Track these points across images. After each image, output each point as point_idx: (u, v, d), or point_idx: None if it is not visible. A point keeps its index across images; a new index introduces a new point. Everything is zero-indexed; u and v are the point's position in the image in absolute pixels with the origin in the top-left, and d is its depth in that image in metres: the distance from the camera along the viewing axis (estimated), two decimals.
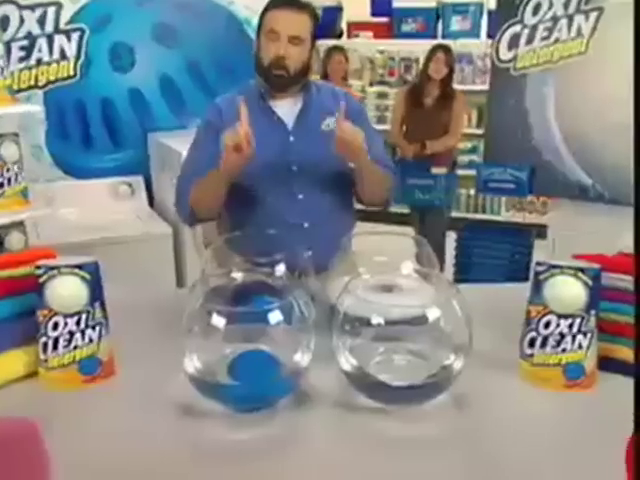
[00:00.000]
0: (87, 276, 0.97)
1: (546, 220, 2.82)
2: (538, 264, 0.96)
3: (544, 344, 0.96)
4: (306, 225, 1.35)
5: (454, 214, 3.54)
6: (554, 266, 0.95)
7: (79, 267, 0.96)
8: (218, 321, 0.88)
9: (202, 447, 0.83)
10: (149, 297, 1.34)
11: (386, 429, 0.87)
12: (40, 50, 2.44)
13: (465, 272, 2.81)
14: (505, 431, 0.87)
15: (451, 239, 3.00)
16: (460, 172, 3.54)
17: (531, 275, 1.00)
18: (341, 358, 0.91)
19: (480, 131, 3.94)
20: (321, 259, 1.13)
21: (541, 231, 2.72)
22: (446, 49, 3.17)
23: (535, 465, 0.80)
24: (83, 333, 0.97)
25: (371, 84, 4.59)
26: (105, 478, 0.78)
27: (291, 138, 1.37)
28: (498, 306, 1.18)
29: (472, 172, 3.43)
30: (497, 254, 2.78)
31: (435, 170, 3.15)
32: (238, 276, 1.04)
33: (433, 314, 0.90)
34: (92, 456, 0.81)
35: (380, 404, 0.90)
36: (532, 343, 0.97)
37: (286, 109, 1.38)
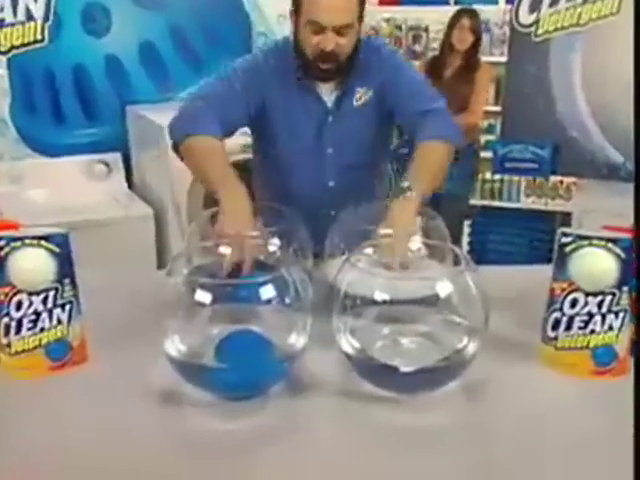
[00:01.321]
0: (55, 249, 0.95)
1: (571, 207, 2.81)
2: (564, 234, 0.95)
3: (570, 326, 0.95)
4: (333, 213, 1.31)
5: None
6: (581, 237, 0.94)
7: (45, 238, 0.95)
8: (203, 297, 0.86)
9: (186, 440, 0.82)
10: (126, 278, 1.34)
11: (392, 419, 0.86)
12: (2, 10, 2.42)
13: (479, 261, 2.81)
14: (524, 422, 0.86)
15: (465, 227, 3.00)
16: None
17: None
18: (342, 340, 0.90)
19: (497, 108, 3.92)
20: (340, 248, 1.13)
21: (565, 220, 2.71)
22: (472, 14, 3.11)
23: (558, 461, 0.79)
24: (50, 313, 0.96)
25: None
26: (78, 477, 0.77)
27: (330, 118, 1.38)
28: (517, 288, 1.18)
29: (487, 154, 3.40)
30: (515, 240, 2.78)
31: None
32: (225, 252, 1.03)
33: (445, 292, 0.89)
34: (62, 452, 0.80)
35: (385, 391, 0.89)
36: (556, 325, 0.96)
37: (327, 87, 1.37)
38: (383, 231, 1.08)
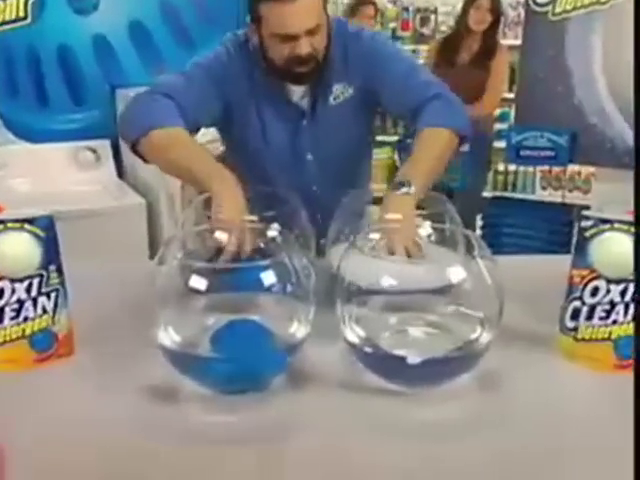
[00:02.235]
0: (40, 232, 0.95)
1: (590, 199, 2.81)
2: (584, 217, 0.95)
3: (591, 315, 0.95)
4: (319, 217, 1.32)
5: None
6: (603, 220, 0.93)
7: (30, 221, 0.95)
8: (198, 283, 0.86)
9: (181, 435, 0.82)
10: (116, 269, 1.34)
11: (400, 413, 0.86)
12: None
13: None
14: (540, 418, 0.86)
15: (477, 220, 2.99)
16: None
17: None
18: (346, 329, 0.90)
19: (511, 95, 3.92)
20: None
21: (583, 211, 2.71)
22: None
23: (577, 458, 0.79)
24: (35, 302, 0.95)
25: None
26: (64, 476, 0.76)
27: (304, 122, 1.36)
28: (533, 277, 1.19)
29: (500, 144, 3.40)
30: (529, 234, 2.77)
31: None
32: (221, 237, 1.03)
33: (457, 278, 0.88)
34: (47, 450, 0.79)
35: (393, 384, 0.89)
36: (576, 314, 0.96)
37: (299, 89, 1.35)
38: (389, 216, 1.08)
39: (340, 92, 1.35)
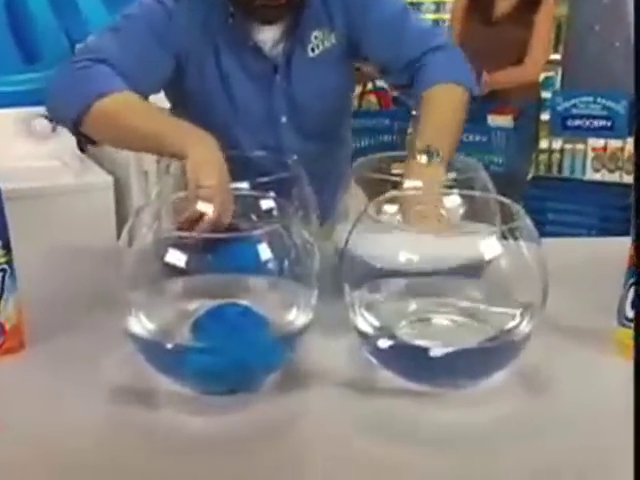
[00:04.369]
0: None
1: None
2: None
3: None
4: None
5: None
6: None
7: None
8: (177, 258, 0.87)
9: (153, 445, 0.82)
10: (78, 250, 1.35)
11: (421, 418, 0.86)
12: None
13: None
14: (591, 427, 0.86)
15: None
16: None
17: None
18: (356, 317, 0.90)
19: (557, 56, 3.91)
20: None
21: None
22: None
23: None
24: None
25: None
26: None
27: (278, 78, 1.36)
28: (584, 261, 1.19)
29: (543, 117, 3.39)
30: (578, 220, 2.77)
31: (493, 119, 3.08)
32: (204, 209, 1.03)
33: (491, 256, 0.88)
34: None
35: (413, 383, 0.89)
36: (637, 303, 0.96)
37: (270, 36, 1.35)
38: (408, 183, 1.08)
39: (320, 41, 1.35)
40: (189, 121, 1.21)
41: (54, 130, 2.65)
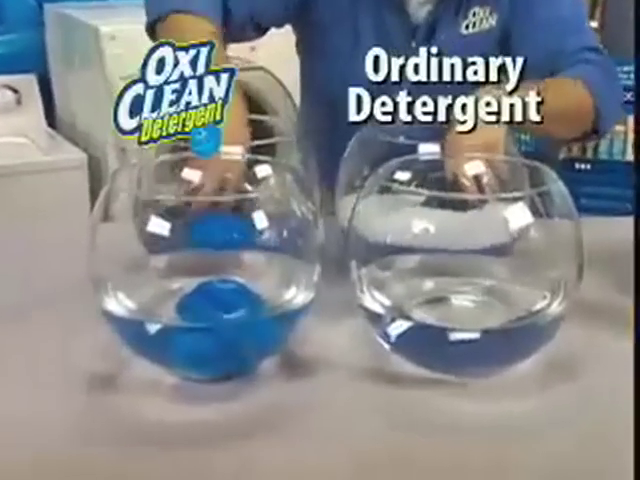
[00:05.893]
0: None
1: None
2: None
3: None
4: None
5: None
6: None
7: None
8: (160, 228, 0.87)
9: (134, 439, 0.82)
10: (46, 228, 1.38)
11: (439, 408, 0.86)
12: None
13: None
14: (626, 418, 0.83)
15: None
16: None
17: None
18: (365, 295, 0.91)
19: (594, 23, 3.91)
20: None
21: None
22: None
23: None
24: None
25: None
26: None
27: (413, 44, 1.33)
28: (619, 240, 1.19)
29: None
30: (611, 205, 2.78)
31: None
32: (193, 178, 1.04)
33: (520, 228, 0.89)
34: None
35: (429, 370, 0.90)
36: None
37: None
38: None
39: (478, 19, 1.33)
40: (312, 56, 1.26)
41: (19, 103, 2.66)
